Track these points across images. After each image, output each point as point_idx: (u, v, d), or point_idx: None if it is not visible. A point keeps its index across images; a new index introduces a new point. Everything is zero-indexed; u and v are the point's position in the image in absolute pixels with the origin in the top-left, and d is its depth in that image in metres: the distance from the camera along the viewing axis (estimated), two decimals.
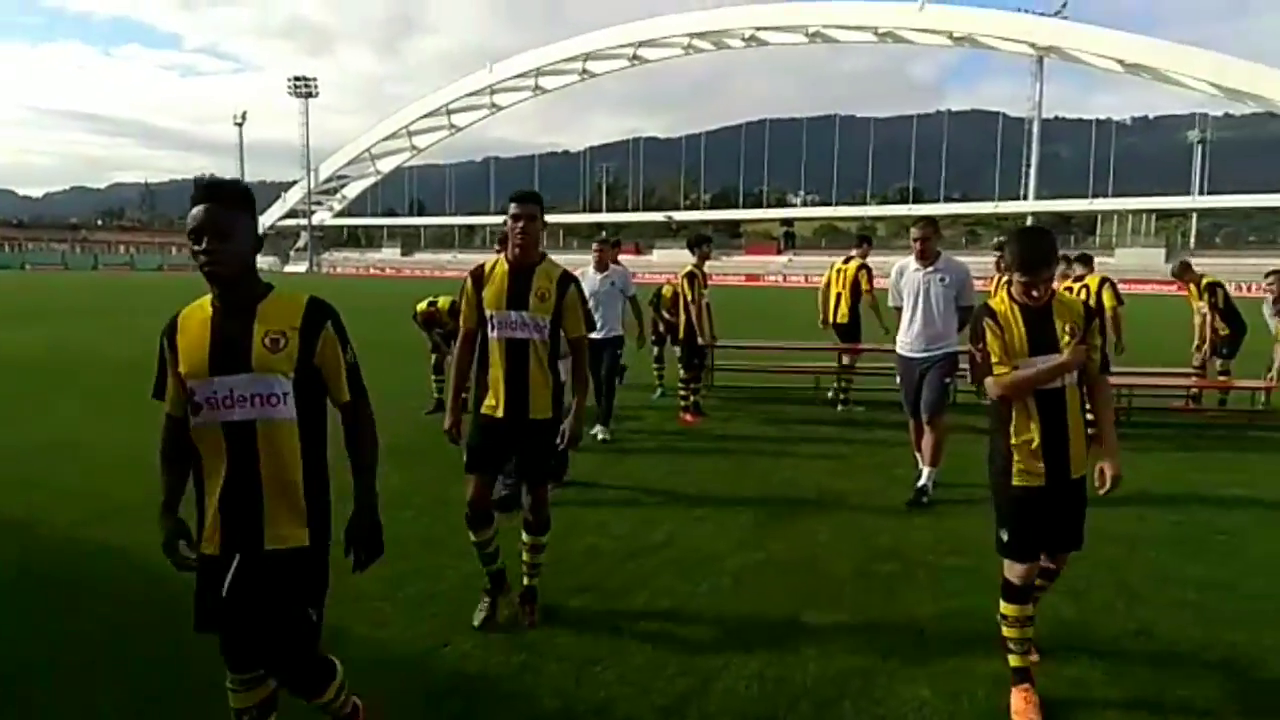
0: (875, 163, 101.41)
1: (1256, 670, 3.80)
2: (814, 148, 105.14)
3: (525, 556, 4.27)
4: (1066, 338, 3.40)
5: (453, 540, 5.02)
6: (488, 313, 4.10)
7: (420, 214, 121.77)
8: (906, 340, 6.62)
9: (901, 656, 3.90)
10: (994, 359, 3.45)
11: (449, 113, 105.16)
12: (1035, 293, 3.38)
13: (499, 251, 4.28)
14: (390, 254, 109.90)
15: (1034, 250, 3.37)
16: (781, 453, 8.12)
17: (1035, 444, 3.41)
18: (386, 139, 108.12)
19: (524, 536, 4.27)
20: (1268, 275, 10.20)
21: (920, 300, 6.49)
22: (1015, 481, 3.45)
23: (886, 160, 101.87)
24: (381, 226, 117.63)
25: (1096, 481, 3.44)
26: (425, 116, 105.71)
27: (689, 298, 9.70)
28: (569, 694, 3.55)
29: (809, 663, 3.83)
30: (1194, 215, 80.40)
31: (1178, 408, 10.53)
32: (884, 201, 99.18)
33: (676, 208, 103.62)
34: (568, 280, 4.17)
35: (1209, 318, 10.28)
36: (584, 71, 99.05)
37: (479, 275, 4.19)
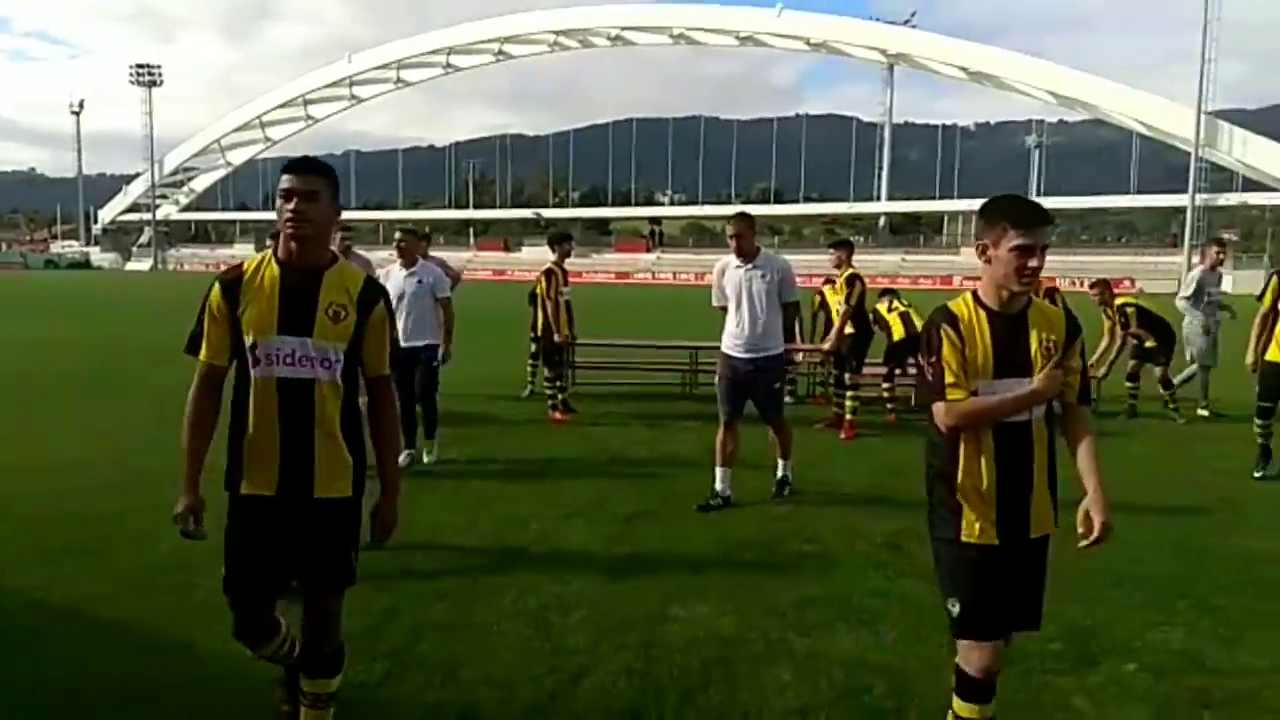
0: (739, 163, 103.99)
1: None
2: (680, 147, 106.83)
3: (305, 716, 2.95)
4: (1041, 360, 2.70)
5: None
6: (248, 340, 2.73)
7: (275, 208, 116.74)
8: (732, 341, 6.37)
9: (765, 642, 4.01)
10: (949, 379, 2.71)
11: (306, 104, 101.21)
12: (1033, 263, 2.61)
13: (269, 248, 2.90)
14: (243, 249, 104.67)
15: (1029, 204, 2.70)
16: (651, 449, 8.20)
17: (987, 488, 2.72)
18: (238, 130, 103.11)
19: (303, 683, 2.93)
20: (1093, 286, 10.75)
21: (744, 298, 6.29)
22: (964, 537, 2.75)
23: (749, 161, 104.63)
24: (233, 221, 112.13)
25: (1080, 529, 2.70)
26: (280, 107, 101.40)
27: (544, 294, 9.71)
28: (433, 701, 3.48)
29: (675, 654, 3.88)
30: None
31: None
32: (748, 201, 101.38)
33: (545, 205, 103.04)
34: (374, 292, 2.85)
35: (1116, 334, 10.19)
36: (448, 65, 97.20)
37: (233, 283, 2.79)
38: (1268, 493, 6.91)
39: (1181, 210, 66.06)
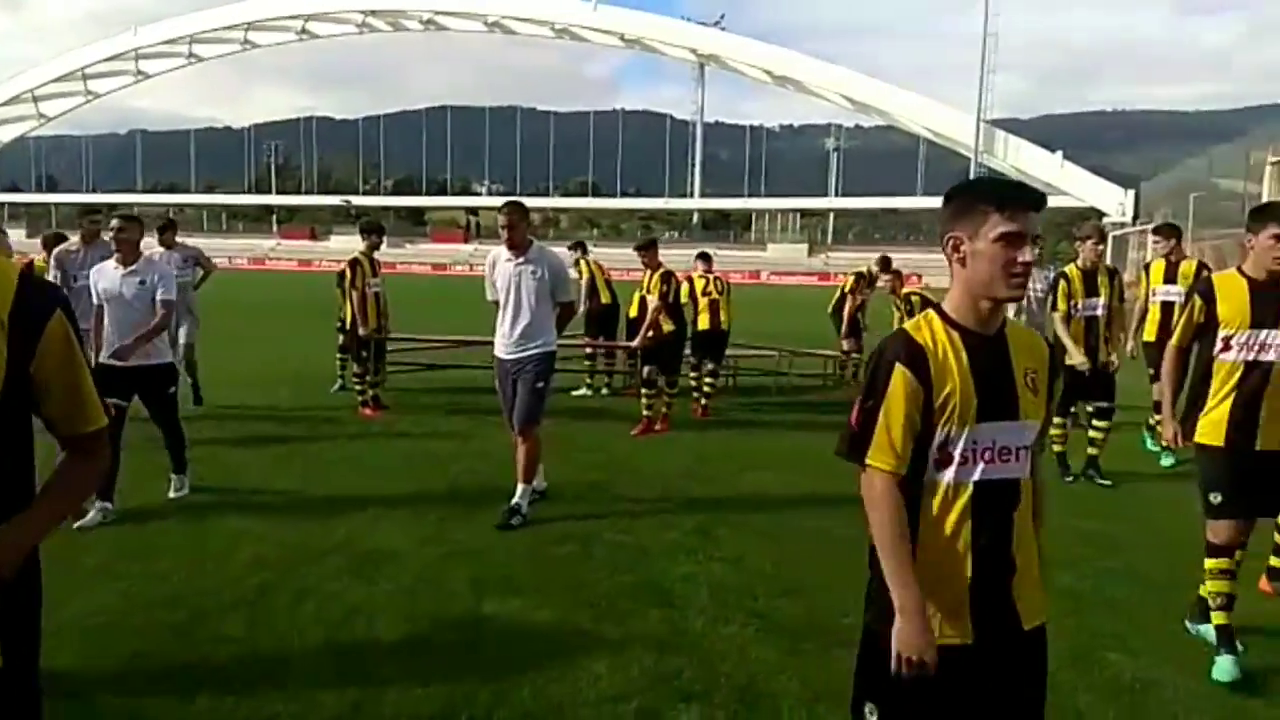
0: (556, 155, 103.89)
1: None
2: (497, 137, 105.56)
3: None
4: (1029, 394, 2.10)
5: (86, 558, 4.45)
6: None
7: (51, 190, 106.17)
8: (500, 341, 5.94)
9: (578, 634, 4.03)
10: (879, 438, 2.04)
11: (85, 78, 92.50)
12: (1025, 257, 2.01)
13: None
14: (15, 235, 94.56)
15: (1016, 184, 2.11)
16: (465, 444, 8.06)
17: (963, 572, 2.04)
18: (5, 104, 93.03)
19: None
20: (884, 271, 11.58)
21: (513, 294, 5.83)
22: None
23: (567, 153, 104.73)
24: (1, 204, 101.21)
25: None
26: (55, 81, 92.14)
27: (350, 285, 9.34)
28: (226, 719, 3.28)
29: (489, 652, 3.84)
30: (831, 215, 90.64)
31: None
32: (566, 194, 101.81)
33: (355, 192, 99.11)
34: (38, 302, 1.74)
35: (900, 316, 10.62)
36: (246, 42, 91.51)
37: None
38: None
39: None
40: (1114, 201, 65.49)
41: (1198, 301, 4.01)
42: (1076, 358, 6.93)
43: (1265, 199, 47.78)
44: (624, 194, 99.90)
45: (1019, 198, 2.03)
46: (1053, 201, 73.55)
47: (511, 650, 3.87)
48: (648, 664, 3.74)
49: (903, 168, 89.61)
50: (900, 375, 2.04)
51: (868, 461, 2.05)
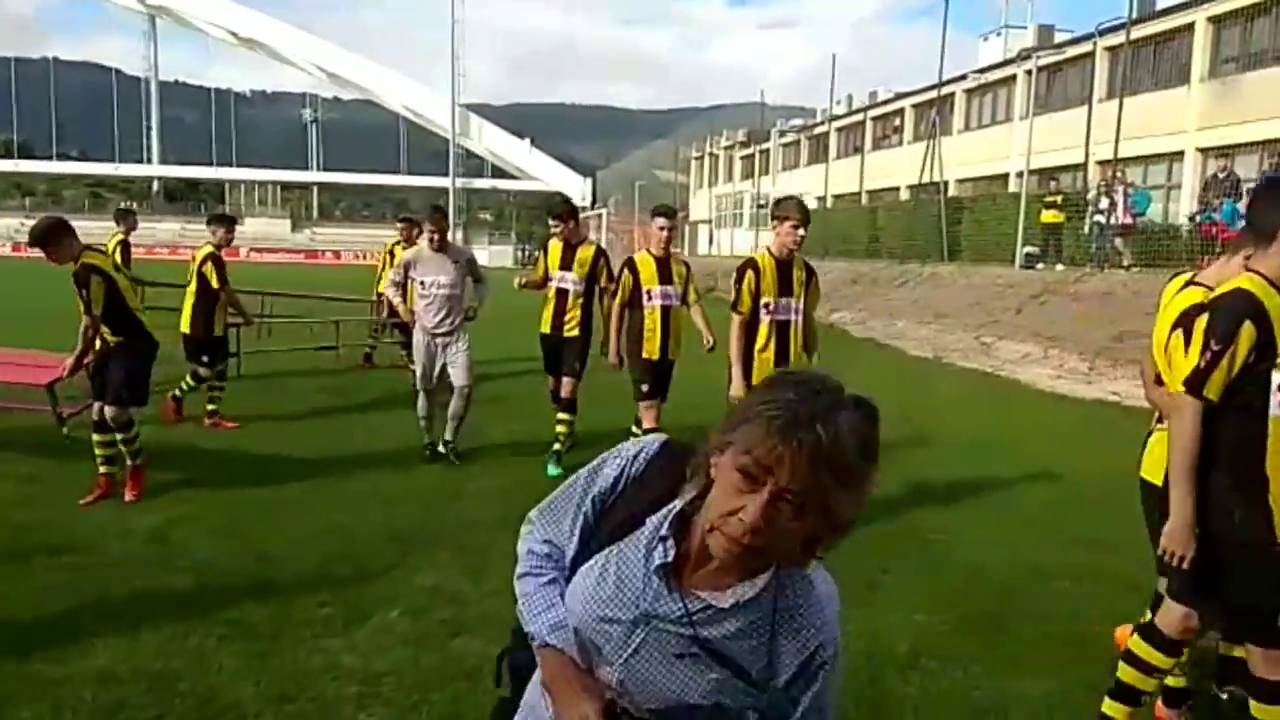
0: None
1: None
2: None
3: None
4: None
5: None
6: None
7: None
8: None
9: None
10: (1218, 378, 2.59)
11: None
12: None
13: None
14: None
15: None
16: None
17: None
18: None
19: None
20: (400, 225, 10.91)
21: None
22: None
23: None
24: None
25: None
26: None
27: None
28: None
29: None
30: (315, 189, 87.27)
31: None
32: None
33: None
34: None
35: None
36: None
37: None
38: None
39: (446, 191, 73.76)
40: (576, 187, 72.42)
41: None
42: (737, 387, 5.28)
43: (691, 188, 56.61)
44: (63, 156, 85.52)
45: None
46: (522, 185, 79.72)
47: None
48: (85, 701, 3.22)
49: (385, 144, 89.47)
50: (1247, 332, 2.49)
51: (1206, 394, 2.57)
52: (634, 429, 6.46)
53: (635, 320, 6.37)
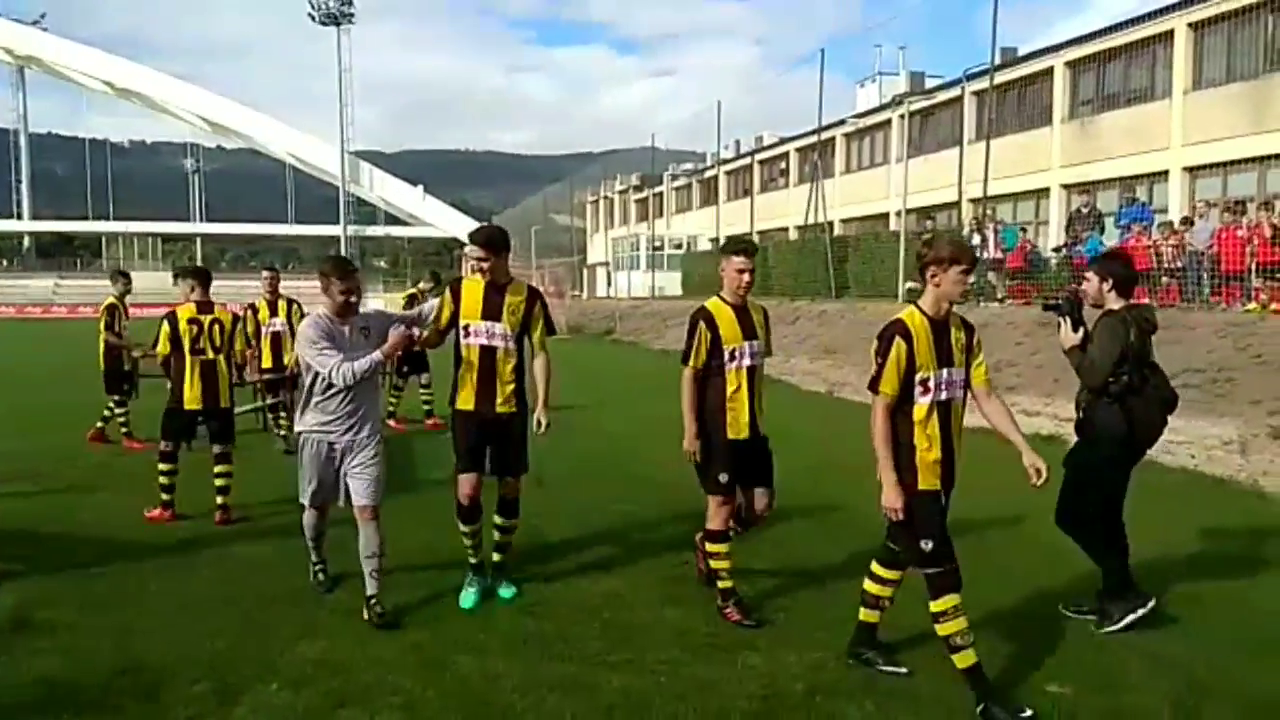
0: None
1: None
2: None
3: None
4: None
5: None
6: None
7: None
8: None
9: None
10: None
11: None
12: None
13: None
14: None
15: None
16: None
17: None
18: None
19: None
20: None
21: None
22: None
23: None
24: None
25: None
26: None
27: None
28: None
29: None
30: (198, 240, 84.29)
31: None
32: None
33: None
34: None
35: None
36: None
37: None
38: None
39: (338, 239, 72.08)
40: None
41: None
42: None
43: (588, 232, 56.89)
44: None
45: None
46: (417, 232, 78.77)
47: None
48: None
49: (271, 193, 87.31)
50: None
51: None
52: (712, 538, 4.90)
53: (714, 390, 4.86)
